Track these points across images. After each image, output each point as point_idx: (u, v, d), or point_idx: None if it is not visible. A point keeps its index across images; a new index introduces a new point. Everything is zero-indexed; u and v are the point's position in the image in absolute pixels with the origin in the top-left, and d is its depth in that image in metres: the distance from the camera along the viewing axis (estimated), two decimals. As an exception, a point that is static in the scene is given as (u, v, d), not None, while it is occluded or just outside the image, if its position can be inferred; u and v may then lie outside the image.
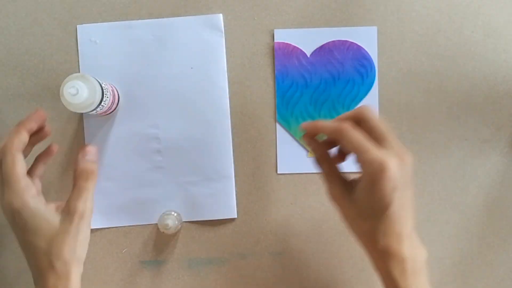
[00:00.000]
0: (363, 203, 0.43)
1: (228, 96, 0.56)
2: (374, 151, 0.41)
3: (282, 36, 0.56)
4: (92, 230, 0.56)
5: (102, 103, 0.50)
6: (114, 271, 0.56)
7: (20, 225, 0.45)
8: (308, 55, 0.55)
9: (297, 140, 0.56)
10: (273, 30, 0.56)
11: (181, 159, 0.56)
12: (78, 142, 0.56)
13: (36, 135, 0.49)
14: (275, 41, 0.55)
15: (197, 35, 0.56)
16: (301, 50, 0.55)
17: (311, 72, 0.55)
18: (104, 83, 0.52)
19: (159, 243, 0.56)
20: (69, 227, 0.45)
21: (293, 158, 0.56)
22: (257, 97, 0.57)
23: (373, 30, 0.56)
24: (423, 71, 0.56)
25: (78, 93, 0.47)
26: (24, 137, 0.46)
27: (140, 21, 0.57)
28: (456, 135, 0.56)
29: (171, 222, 0.53)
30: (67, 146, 0.56)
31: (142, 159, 0.56)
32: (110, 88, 0.53)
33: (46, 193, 0.56)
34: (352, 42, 0.55)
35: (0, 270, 0.56)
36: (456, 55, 0.56)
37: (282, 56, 0.55)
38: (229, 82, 0.57)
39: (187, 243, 0.56)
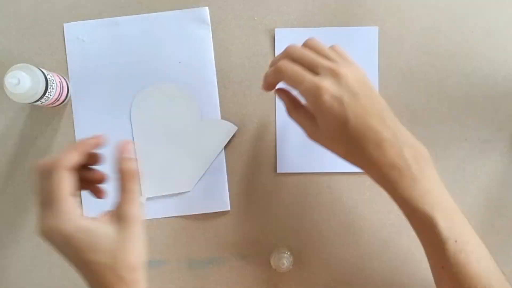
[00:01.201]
0: (327, 131, 0.44)
1: (217, 89, 0.56)
2: (307, 80, 0.43)
3: (283, 35, 0.56)
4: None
5: (46, 94, 0.50)
6: (114, 271, 0.56)
7: (75, 247, 0.40)
8: None
9: (297, 141, 0.56)
10: (273, 30, 0.56)
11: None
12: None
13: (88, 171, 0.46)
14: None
15: (184, 29, 0.56)
16: None
17: None
18: (50, 74, 0.51)
19: (159, 243, 0.56)
20: (128, 234, 0.41)
21: (293, 157, 0.56)
22: (257, 97, 0.57)
23: (374, 30, 0.56)
24: (423, 71, 0.56)
25: (20, 83, 0.47)
26: (74, 156, 0.42)
27: (127, 17, 0.57)
28: (456, 135, 0.56)
29: (287, 261, 0.53)
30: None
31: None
32: (58, 79, 0.53)
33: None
34: None
35: (0, 270, 0.56)
36: (456, 55, 0.56)
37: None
38: (229, 82, 0.57)
39: (187, 243, 0.56)
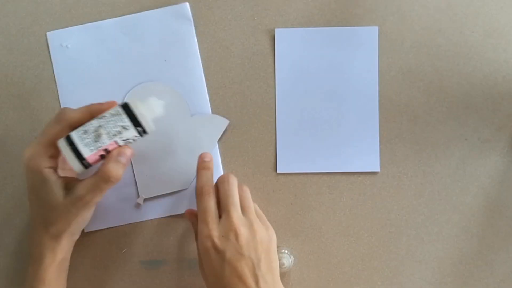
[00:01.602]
0: (206, 275, 0.48)
1: (205, 84, 0.56)
2: (206, 223, 0.47)
3: (283, 35, 0.56)
4: (92, 231, 0.56)
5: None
6: (114, 271, 0.56)
7: (30, 183, 0.48)
8: None
9: (297, 140, 0.56)
10: (273, 30, 0.56)
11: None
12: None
13: None
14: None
15: (166, 27, 0.56)
16: None
17: None
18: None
19: (159, 243, 0.56)
20: (70, 207, 0.46)
21: (293, 157, 0.56)
22: (257, 97, 0.57)
23: (374, 30, 0.56)
24: (423, 71, 0.56)
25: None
26: (85, 119, 0.47)
27: (108, 20, 0.57)
28: (456, 135, 0.56)
29: (286, 261, 0.53)
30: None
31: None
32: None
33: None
34: None
35: (0, 270, 0.56)
36: (456, 55, 0.56)
37: None
38: (229, 82, 0.57)
39: (187, 243, 0.56)
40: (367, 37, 0.56)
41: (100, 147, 0.46)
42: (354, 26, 0.56)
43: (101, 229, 0.56)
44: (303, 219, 0.56)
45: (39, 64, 0.57)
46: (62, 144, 0.45)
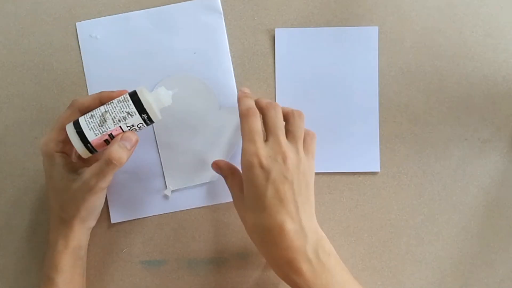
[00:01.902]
0: (247, 199, 0.47)
1: (234, 77, 0.56)
2: (253, 143, 0.46)
3: (283, 35, 0.56)
4: (92, 230, 0.56)
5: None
6: (114, 271, 0.56)
7: (45, 168, 0.49)
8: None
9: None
10: (273, 30, 0.56)
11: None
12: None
13: None
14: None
15: (196, 20, 0.56)
16: None
17: None
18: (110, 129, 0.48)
19: (159, 243, 0.56)
20: (77, 192, 0.47)
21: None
22: (257, 97, 0.56)
23: (374, 30, 0.56)
24: (423, 71, 0.56)
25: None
26: (95, 105, 0.48)
27: (138, 11, 0.57)
28: (456, 135, 0.56)
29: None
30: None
31: (149, 150, 0.56)
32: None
33: (45, 191, 0.56)
34: None
35: (0, 270, 0.56)
36: (456, 55, 0.56)
37: None
38: (229, 82, 0.57)
39: (187, 243, 0.56)
40: (367, 37, 0.56)
41: (104, 131, 0.46)
42: (354, 26, 0.56)
43: (101, 229, 0.56)
44: (303, 219, 0.56)
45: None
46: (69, 128, 0.47)
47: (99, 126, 0.46)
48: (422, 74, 0.56)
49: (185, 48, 0.56)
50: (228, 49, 0.56)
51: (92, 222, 0.52)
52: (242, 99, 0.50)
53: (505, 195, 0.56)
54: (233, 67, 0.57)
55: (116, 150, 0.46)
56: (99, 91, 0.49)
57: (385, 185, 0.56)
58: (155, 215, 0.56)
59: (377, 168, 0.56)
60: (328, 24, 0.56)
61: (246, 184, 0.47)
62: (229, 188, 0.51)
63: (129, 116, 0.47)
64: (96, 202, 0.50)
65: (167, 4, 0.56)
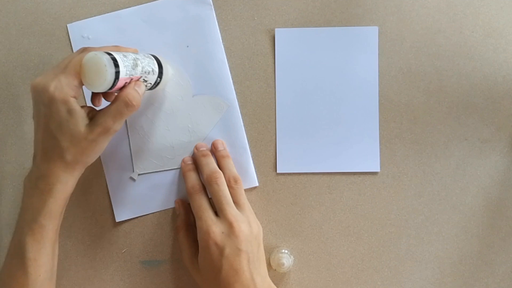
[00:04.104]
0: (202, 269, 0.49)
1: (228, 67, 0.56)
2: (204, 219, 0.49)
3: (283, 35, 0.56)
4: (93, 231, 0.56)
5: (115, 83, 0.46)
6: (114, 271, 0.56)
7: (50, 111, 0.46)
8: None
9: (297, 140, 0.56)
10: (273, 30, 0.56)
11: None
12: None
13: None
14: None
15: (187, 13, 0.56)
16: None
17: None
18: (133, 58, 0.48)
19: (159, 243, 0.56)
20: (91, 136, 0.47)
21: (293, 157, 0.56)
22: (257, 97, 0.57)
23: (374, 30, 0.56)
24: (423, 71, 0.56)
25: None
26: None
27: (128, 9, 0.57)
28: (456, 135, 0.56)
29: (286, 261, 0.53)
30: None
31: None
32: (141, 67, 0.49)
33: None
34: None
35: (0, 270, 0.56)
36: (456, 55, 0.56)
37: None
38: (229, 82, 0.57)
39: (187, 243, 0.56)
40: (367, 37, 0.56)
41: (132, 75, 0.47)
42: (354, 26, 0.56)
43: (101, 229, 0.56)
44: (303, 219, 0.56)
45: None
46: (101, 57, 0.44)
47: (132, 68, 0.46)
48: (422, 74, 0.56)
49: (178, 42, 0.56)
50: (221, 40, 0.56)
51: (84, 168, 0.50)
52: (186, 173, 0.54)
53: (505, 195, 0.56)
54: (233, 67, 0.57)
55: (135, 94, 0.47)
56: (112, 45, 0.50)
57: (385, 185, 0.56)
58: (155, 215, 0.56)
59: (377, 168, 0.56)
60: (328, 24, 0.56)
61: (201, 256, 0.49)
62: (180, 243, 0.54)
63: (152, 73, 0.49)
64: (103, 146, 0.49)
65: (156, 0, 0.56)
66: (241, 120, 0.56)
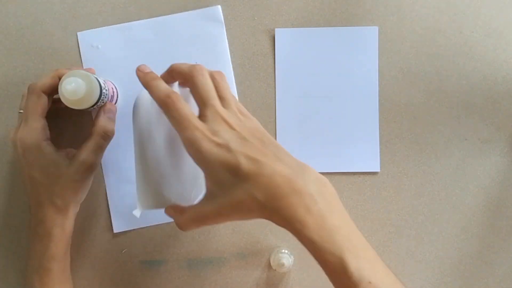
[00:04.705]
0: (220, 187, 0.40)
1: (235, 85, 0.56)
2: (190, 129, 0.39)
3: (283, 35, 0.56)
4: (92, 231, 0.56)
5: (100, 100, 0.50)
6: (114, 271, 0.56)
7: (28, 161, 0.48)
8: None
9: (297, 140, 0.55)
10: (273, 30, 0.56)
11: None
12: (78, 142, 0.56)
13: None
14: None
15: (198, 29, 0.56)
16: None
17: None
18: (102, 80, 0.52)
19: (159, 243, 0.56)
20: (76, 175, 0.48)
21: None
22: (257, 97, 0.57)
23: (374, 30, 0.56)
24: (423, 71, 0.56)
25: (77, 89, 0.47)
26: (56, 83, 0.48)
27: (139, 21, 0.56)
28: (456, 135, 0.56)
29: (286, 261, 0.53)
30: (67, 146, 0.56)
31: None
32: (110, 86, 0.53)
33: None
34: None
35: (0, 270, 0.56)
36: (456, 55, 0.56)
37: None
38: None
39: (187, 243, 0.56)
40: (367, 37, 0.56)
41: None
42: (354, 26, 0.56)
43: (101, 229, 0.56)
44: (303, 219, 0.56)
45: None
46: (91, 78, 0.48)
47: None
48: (422, 74, 0.56)
49: (187, 58, 0.56)
50: (230, 59, 0.56)
51: (78, 207, 0.52)
52: (151, 82, 0.43)
53: (505, 195, 0.56)
54: (233, 67, 0.57)
55: (108, 123, 0.50)
56: (55, 69, 0.50)
57: (385, 185, 0.56)
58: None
59: (377, 168, 0.56)
60: (328, 24, 0.56)
61: (211, 172, 0.40)
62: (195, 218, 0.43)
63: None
64: (89, 183, 0.50)
65: (169, 14, 0.56)
66: None
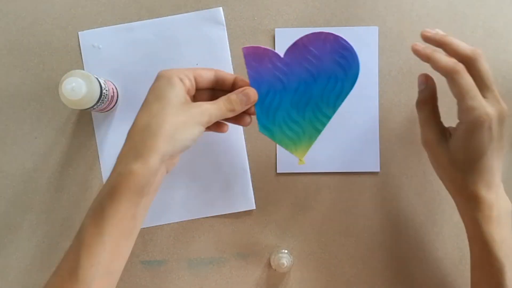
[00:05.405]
0: (457, 151, 0.45)
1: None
2: (479, 99, 0.44)
3: (283, 35, 0.56)
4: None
5: (101, 100, 0.50)
6: (114, 271, 0.56)
7: (153, 87, 0.45)
8: (282, 55, 0.50)
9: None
10: (273, 30, 0.56)
11: (195, 156, 0.56)
12: (78, 142, 0.56)
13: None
14: (244, 47, 0.49)
15: (199, 31, 0.56)
16: (272, 52, 0.50)
17: (287, 73, 0.50)
18: (103, 80, 0.52)
19: (159, 243, 0.56)
20: (193, 117, 0.44)
21: (293, 157, 0.56)
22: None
23: (374, 30, 0.56)
24: (423, 71, 0.56)
25: (77, 89, 0.47)
26: (211, 75, 0.48)
27: (141, 22, 0.56)
28: (456, 135, 0.56)
29: (286, 261, 0.53)
30: (67, 146, 0.56)
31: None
32: (110, 86, 0.53)
33: (45, 190, 0.56)
34: (328, 33, 0.48)
35: (0, 270, 0.56)
36: (456, 55, 0.56)
37: (253, 61, 0.49)
38: (229, 82, 0.57)
39: (187, 243, 0.56)
40: (367, 37, 0.56)
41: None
42: (354, 26, 0.56)
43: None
44: (303, 219, 0.56)
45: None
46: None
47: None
48: (422, 74, 0.56)
49: (188, 59, 0.56)
50: (231, 61, 0.56)
51: (170, 164, 0.46)
52: (433, 55, 0.46)
53: (505, 195, 0.56)
54: (233, 67, 0.57)
55: (239, 102, 0.47)
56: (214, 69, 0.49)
57: (385, 185, 0.56)
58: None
59: (377, 168, 0.56)
60: (328, 24, 0.56)
61: (464, 137, 0.45)
62: (424, 119, 0.49)
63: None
64: (191, 139, 0.45)
65: (169, 15, 0.56)
66: (244, 140, 0.56)
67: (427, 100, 0.49)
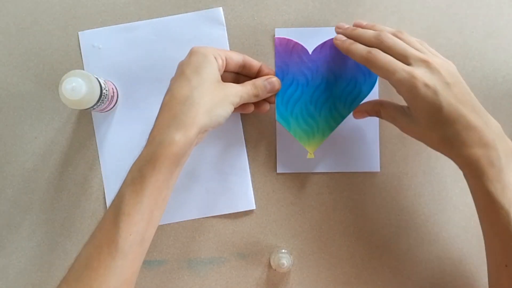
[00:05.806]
0: (420, 120, 0.45)
1: None
2: (399, 70, 0.44)
3: (283, 35, 0.56)
4: (92, 230, 0.55)
5: (101, 100, 0.50)
6: (114, 271, 0.56)
7: (189, 61, 0.47)
8: (310, 52, 0.54)
9: (297, 140, 0.56)
10: (273, 30, 0.56)
11: (195, 156, 0.56)
12: (78, 142, 0.57)
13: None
14: (276, 36, 0.54)
15: (199, 31, 0.56)
16: (302, 47, 0.54)
17: (312, 69, 0.54)
18: (103, 80, 0.52)
19: (159, 243, 0.56)
20: (227, 95, 0.47)
21: (293, 157, 0.56)
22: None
23: (373, 30, 0.56)
24: (423, 71, 0.56)
25: (77, 89, 0.47)
26: (240, 59, 0.51)
27: (141, 22, 0.57)
28: (456, 135, 0.56)
29: (286, 261, 0.52)
30: (67, 146, 0.56)
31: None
32: (110, 86, 0.53)
33: (45, 190, 0.56)
34: None
35: (0, 270, 0.56)
36: (456, 55, 0.56)
37: (283, 52, 0.54)
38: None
39: (187, 243, 0.56)
40: (367, 37, 0.56)
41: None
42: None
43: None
44: (303, 219, 0.56)
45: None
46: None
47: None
48: (422, 74, 0.56)
49: None
50: None
51: (194, 140, 0.45)
52: (351, 47, 0.48)
53: (505, 195, 0.56)
54: (233, 67, 0.57)
55: (263, 88, 0.51)
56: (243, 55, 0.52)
57: (385, 185, 0.56)
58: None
59: (377, 168, 0.56)
60: (328, 24, 0.56)
61: (414, 105, 0.45)
62: (390, 119, 0.50)
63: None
64: (224, 116, 0.47)
65: (169, 15, 0.56)
66: (244, 140, 0.56)
67: (381, 109, 0.51)
